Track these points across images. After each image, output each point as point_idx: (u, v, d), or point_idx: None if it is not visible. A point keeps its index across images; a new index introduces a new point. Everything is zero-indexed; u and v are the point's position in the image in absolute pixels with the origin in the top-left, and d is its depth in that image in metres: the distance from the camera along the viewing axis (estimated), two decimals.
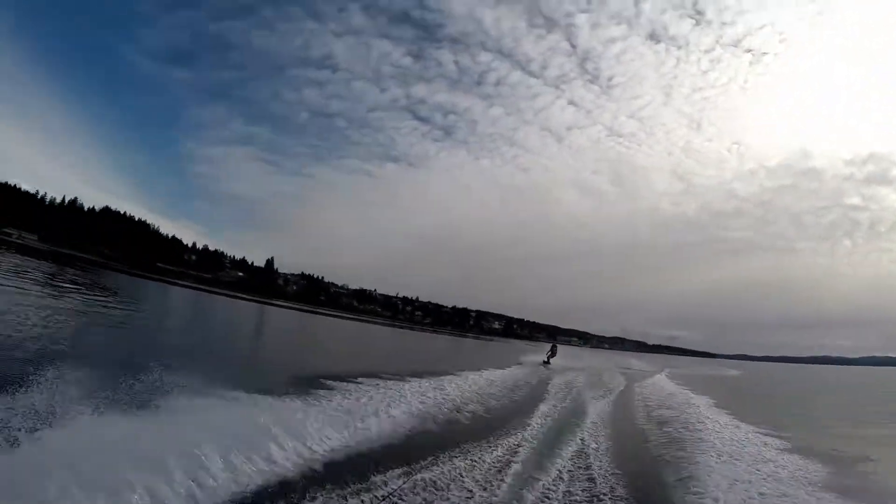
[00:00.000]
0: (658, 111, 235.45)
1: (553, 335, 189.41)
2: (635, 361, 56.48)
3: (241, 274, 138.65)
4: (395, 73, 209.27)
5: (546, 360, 33.78)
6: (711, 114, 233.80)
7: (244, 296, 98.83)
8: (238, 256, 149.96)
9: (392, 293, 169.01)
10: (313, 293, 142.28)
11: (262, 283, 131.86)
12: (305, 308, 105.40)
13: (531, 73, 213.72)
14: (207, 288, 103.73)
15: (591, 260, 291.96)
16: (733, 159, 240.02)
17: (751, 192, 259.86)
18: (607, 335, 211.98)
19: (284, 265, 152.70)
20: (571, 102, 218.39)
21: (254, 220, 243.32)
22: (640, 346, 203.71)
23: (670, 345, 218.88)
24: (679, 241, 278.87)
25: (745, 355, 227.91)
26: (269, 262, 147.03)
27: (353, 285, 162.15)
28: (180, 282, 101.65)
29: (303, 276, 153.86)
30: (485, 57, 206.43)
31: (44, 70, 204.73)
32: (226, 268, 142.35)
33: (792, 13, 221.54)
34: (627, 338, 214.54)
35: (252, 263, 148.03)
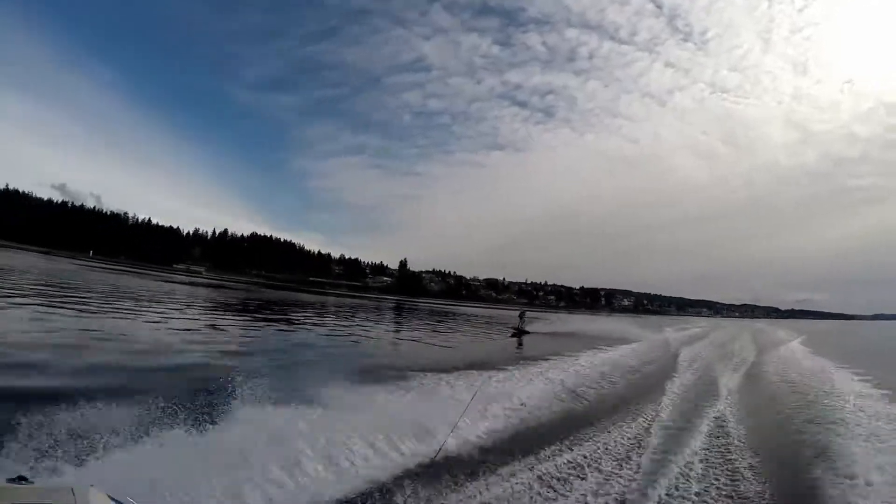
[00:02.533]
0: (760, 59, 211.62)
1: (682, 307, 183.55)
2: (767, 328, 53.65)
3: (385, 279, 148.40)
4: (486, 63, 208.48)
5: (517, 329, 25.71)
6: (816, 54, 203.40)
7: (396, 298, 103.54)
8: (367, 261, 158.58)
9: (518, 279, 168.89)
10: (456, 289, 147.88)
11: (409, 284, 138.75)
12: (453, 303, 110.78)
13: (621, 41, 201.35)
14: (381, 296, 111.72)
15: (712, 225, 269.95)
16: (848, 100, 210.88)
17: (873, 133, 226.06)
18: (737, 303, 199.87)
19: (411, 263, 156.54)
20: (668, 64, 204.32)
21: (372, 223, 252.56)
22: (772, 312, 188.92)
23: (804, 308, 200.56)
24: (803, 194, 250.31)
25: (884, 314, 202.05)
26: (403, 264, 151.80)
27: (481, 275, 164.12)
28: (336, 292, 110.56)
29: (435, 272, 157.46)
30: (571, 32, 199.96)
31: (161, 119, 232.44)
32: (367, 274, 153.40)
33: None
34: (758, 304, 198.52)
35: (387, 266, 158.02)
